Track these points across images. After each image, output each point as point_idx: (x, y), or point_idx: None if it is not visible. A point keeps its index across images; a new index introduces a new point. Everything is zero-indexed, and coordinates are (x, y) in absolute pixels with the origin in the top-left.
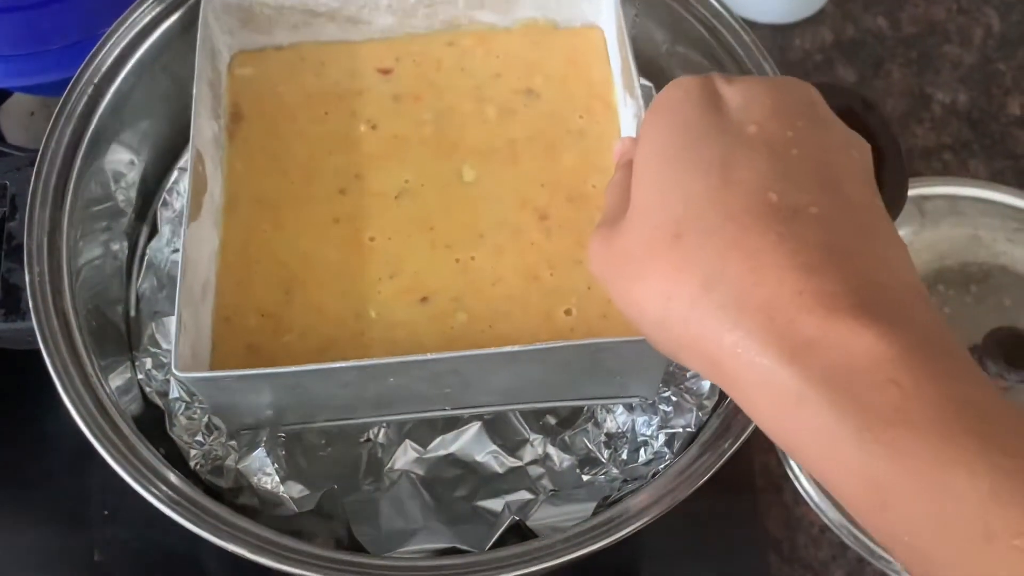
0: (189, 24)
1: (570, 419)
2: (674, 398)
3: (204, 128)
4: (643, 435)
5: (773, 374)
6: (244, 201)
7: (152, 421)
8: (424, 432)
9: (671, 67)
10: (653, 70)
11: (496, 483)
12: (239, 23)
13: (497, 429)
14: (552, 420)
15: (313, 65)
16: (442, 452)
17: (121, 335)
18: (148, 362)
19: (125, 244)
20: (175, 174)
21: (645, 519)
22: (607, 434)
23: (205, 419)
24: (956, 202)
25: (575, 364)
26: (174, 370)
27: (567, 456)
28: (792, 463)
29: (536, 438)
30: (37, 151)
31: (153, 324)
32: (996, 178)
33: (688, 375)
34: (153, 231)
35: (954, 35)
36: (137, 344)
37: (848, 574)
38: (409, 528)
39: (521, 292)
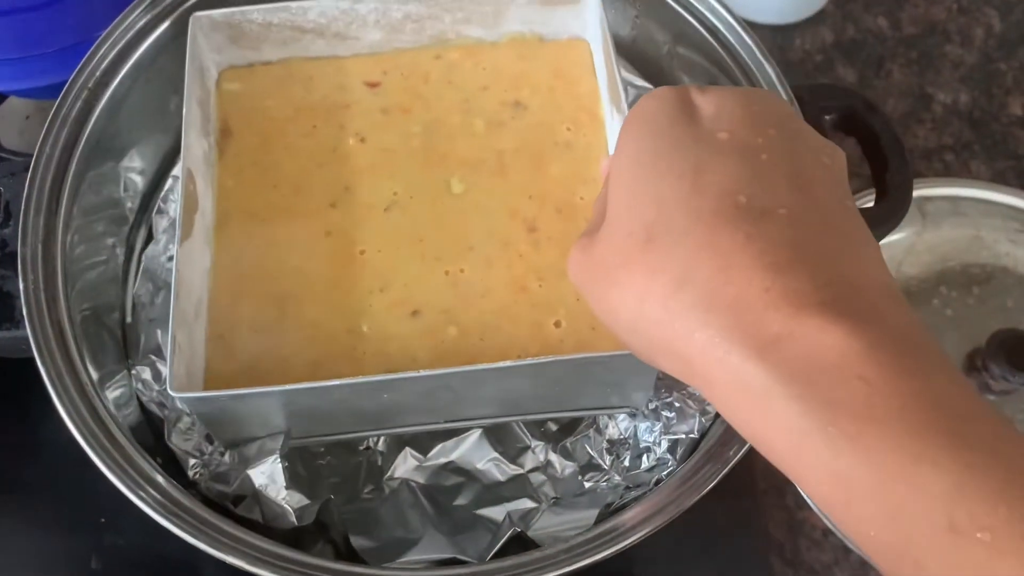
0: (182, 30)
1: (571, 426)
2: (676, 404)
3: (194, 146)
4: (645, 441)
5: (742, 371)
6: (235, 217)
7: (150, 430)
8: (424, 440)
9: (672, 68)
10: (654, 71)
11: (497, 491)
12: (228, 40)
13: (498, 436)
14: (553, 427)
15: (301, 79)
16: (442, 460)
17: (117, 342)
18: (146, 371)
19: (122, 250)
20: (170, 181)
21: (647, 529)
22: (609, 441)
23: (203, 429)
24: (958, 203)
25: (566, 378)
26: (170, 391)
27: (569, 463)
28: None
29: (537, 445)
30: (32, 156)
31: (149, 332)
32: (998, 179)
33: None
34: (149, 236)
35: (955, 35)
36: (134, 352)
37: None
38: (409, 538)
39: (510, 304)
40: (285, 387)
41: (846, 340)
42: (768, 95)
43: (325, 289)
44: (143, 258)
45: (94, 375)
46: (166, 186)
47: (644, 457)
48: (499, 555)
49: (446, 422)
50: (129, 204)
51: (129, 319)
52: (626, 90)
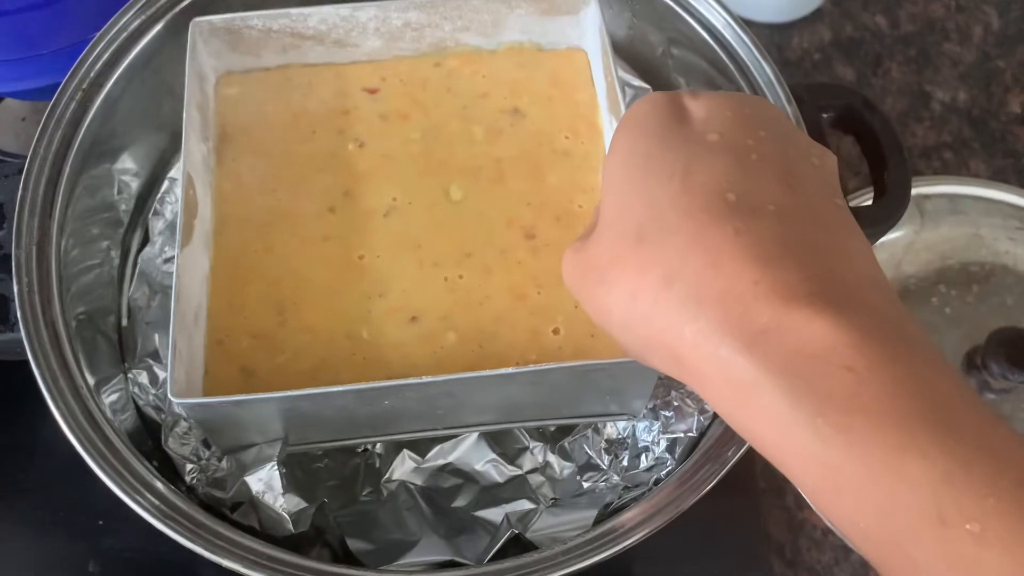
0: (175, 32)
1: (570, 426)
2: (675, 403)
3: (194, 151)
4: (644, 441)
5: (731, 364)
6: (234, 222)
7: (147, 435)
8: (422, 442)
9: (669, 68)
10: (650, 71)
11: (496, 492)
12: (227, 46)
13: (496, 438)
14: (551, 428)
15: (300, 85)
16: (441, 461)
17: (113, 346)
18: (143, 375)
19: (117, 253)
20: (166, 183)
21: (646, 530)
22: (607, 441)
23: (200, 433)
24: (957, 201)
25: (567, 384)
26: (170, 396)
27: (567, 463)
28: None
29: (536, 446)
30: (27, 157)
31: (145, 336)
32: (997, 176)
33: None
34: (144, 239)
35: (953, 33)
36: (130, 356)
37: None
38: (406, 540)
39: (509, 311)
40: (286, 393)
41: (834, 331)
42: (759, 100)
43: (324, 294)
44: (139, 261)
45: (90, 379)
46: (162, 188)
47: (643, 457)
48: (497, 557)
49: (444, 428)
50: (123, 206)
51: (125, 323)
52: (623, 91)
